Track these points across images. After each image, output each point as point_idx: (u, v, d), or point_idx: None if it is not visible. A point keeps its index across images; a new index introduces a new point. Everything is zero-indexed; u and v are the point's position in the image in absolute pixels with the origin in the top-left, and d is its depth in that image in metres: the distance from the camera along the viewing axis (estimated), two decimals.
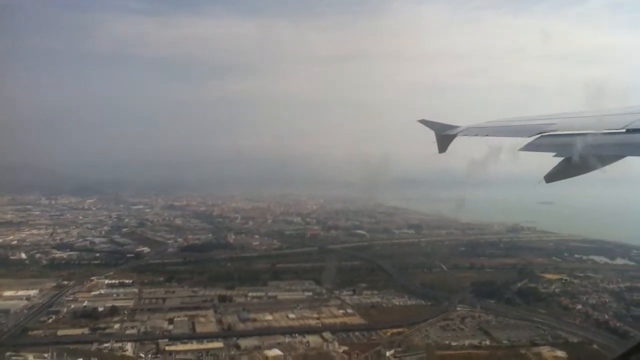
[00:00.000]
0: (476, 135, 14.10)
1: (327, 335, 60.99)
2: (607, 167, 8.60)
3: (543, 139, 10.57)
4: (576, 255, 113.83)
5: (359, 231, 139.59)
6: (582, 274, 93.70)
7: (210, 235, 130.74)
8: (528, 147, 10.41)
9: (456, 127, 16.22)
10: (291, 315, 67.66)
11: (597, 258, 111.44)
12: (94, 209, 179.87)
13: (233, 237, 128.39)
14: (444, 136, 16.10)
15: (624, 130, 8.65)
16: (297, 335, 60.98)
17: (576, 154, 8.89)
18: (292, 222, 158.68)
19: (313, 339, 59.70)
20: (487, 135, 13.23)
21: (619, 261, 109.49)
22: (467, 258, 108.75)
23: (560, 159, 9.38)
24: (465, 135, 14.96)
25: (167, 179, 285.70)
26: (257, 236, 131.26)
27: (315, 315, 68.06)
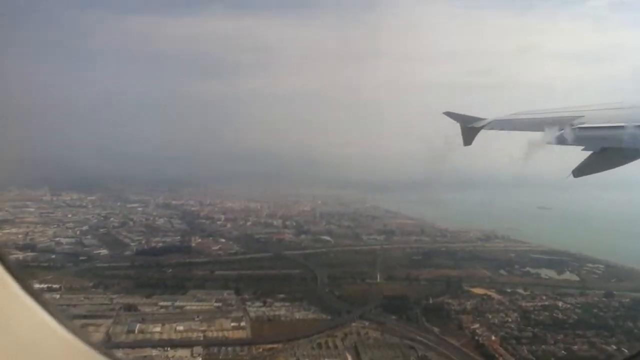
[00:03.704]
0: (502, 129, 14.24)
1: (197, 350, 64.18)
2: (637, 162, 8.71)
3: (572, 131, 10.23)
4: (526, 268, 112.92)
5: (324, 237, 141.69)
6: (510, 290, 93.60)
7: (178, 237, 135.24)
8: (556, 140, 10.33)
9: (482, 119, 16.11)
10: (179, 328, 71.11)
11: (544, 272, 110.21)
12: (90, 206, 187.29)
13: (198, 240, 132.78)
14: (470, 129, 16.13)
15: None
16: (168, 349, 64.46)
17: (605, 147, 9.00)
18: (270, 225, 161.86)
19: (181, 354, 63.04)
20: (514, 129, 13.28)
21: (565, 276, 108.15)
22: (413, 269, 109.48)
23: (588, 153, 9.42)
24: (492, 128, 15.07)
25: (180, 175, 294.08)
26: (223, 240, 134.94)
27: (203, 328, 71.36)
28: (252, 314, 78.72)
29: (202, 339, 68.40)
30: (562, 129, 10.23)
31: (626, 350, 67.89)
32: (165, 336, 68.87)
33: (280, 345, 66.60)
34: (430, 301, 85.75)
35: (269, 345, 66.43)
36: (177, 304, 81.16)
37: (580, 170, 9.32)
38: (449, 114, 17.06)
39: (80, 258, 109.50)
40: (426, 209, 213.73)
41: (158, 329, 70.85)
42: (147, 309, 79.27)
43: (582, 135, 9.63)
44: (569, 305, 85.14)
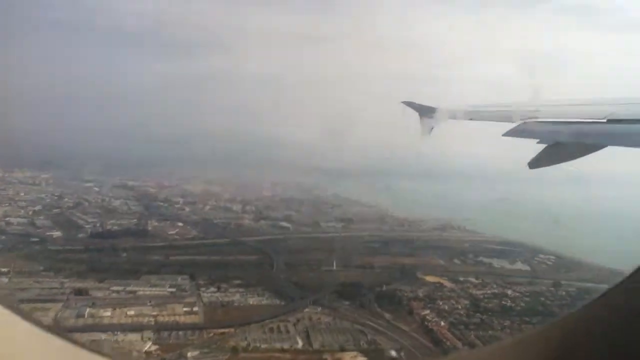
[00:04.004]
0: (460, 118, 14.43)
1: (147, 334, 63.78)
2: (588, 157, 8.98)
3: (527, 125, 10.73)
4: (479, 258, 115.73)
5: (283, 223, 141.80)
6: (462, 278, 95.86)
7: (135, 220, 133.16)
8: (512, 133, 10.70)
9: (440, 110, 16.52)
10: (130, 312, 70.53)
11: (497, 262, 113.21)
12: (44, 184, 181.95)
13: (155, 224, 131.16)
14: (428, 119, 16.46)
15: (605, 120, 9.02)
16: (117, 333, 63.87)
17: (559, 141, 9.30)
18: (230, 210, 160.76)
19: (131, 338, 62.57)
20: (471, 119, 13.62)
21: (517, 266, 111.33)
22: (369, 256, 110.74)
23: (543, 146, 9.61)
24: (451, 118, 15.30)
25: (139, 156, 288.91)
26: (180, 224, 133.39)
27: (155, 313, 70.92)
28: (205, 300, 78.63)
29: (153, 323, 67.88)
30: (518, 122, 10.69)
31: None
32: (115, 321, 68.21)
33: (232, 330, 66.81)
34: (384, 288, 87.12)
35: (221, 330, 66.59)
36: (129, 288, 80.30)
37: (536, 163, 9.63)
38: (408, 104, 17.35)
39: (32, 239, 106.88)
40: (387, 198, 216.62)
41: (108, 313, 70.08)
42: (99, 294, 78.24)
43: (537, 129, 10.22)
44: (517, 294, 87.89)
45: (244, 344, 62.65)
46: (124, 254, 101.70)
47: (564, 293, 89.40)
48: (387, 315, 75.82)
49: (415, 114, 16.58)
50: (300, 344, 63.66)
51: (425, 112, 16.23)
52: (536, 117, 10.83)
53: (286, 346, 62.80)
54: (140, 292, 79.48)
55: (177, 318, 70.30)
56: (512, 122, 10.92)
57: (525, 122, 10.75)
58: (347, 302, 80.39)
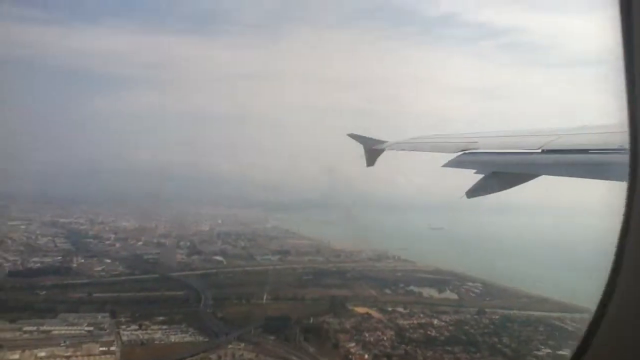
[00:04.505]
0: (403, 149, 14.30)
1: None
2: (524, 185, 8.84)
3: (465, 156, 10.68)
4: (410, 287, 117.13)
5: (217, 257, 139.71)
6: (390, 308, 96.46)
7: (60, 258, 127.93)
8: (451, 164, 10.56)
9: (384, 141, 16.26)
10: (40, 354, 67.04)
11: (426, 291, 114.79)
12: None
13: (81, 260, 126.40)
14: (373, 150, 16.25)
15: (539, 151, 8.97)
16: None
17: (495, 171, 9.14)
18: (162, 245, 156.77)
19: None
20: (413, 150, 13.50)
21: (445, 294, 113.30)
22: (301, 288, 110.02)
23: (481, 176, 9.50)
24: (392, 149, 15.05)
25: (73, 193, 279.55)
26: (108, 260, 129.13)
27: (68, 354, 67.70)
28: (124, 338, 75.88)
29: None
30: (457, 153, 10.90)
31: None
32: None
33: None
34: (311, 320, 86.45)
35: None
36: (43, 328, 76.42)
37: (473, 192, 9.63)
38: (353, 136, 17.80)
39: None
40: (327, 230, 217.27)
41: (17, 356, 66.26)
42: (9, 335, 74.04)
43: (475, 159, 10.39)
44: (443, 323, 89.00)
45: None
46: (43, 292, 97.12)
47: (487, 321, 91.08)
48: (312, 349, 75.19)
49: (360, 146, 17.08)
50: None
51: (370, 144, 16.61)
52: (475, 148, 11.00)
53: None
54: (55, 332, 75.78)
55: (91, 359, 67.22)
56: (452, 153, 11.13)
57: (464, 153, 10.90)
58: (272, 337, 79.16)
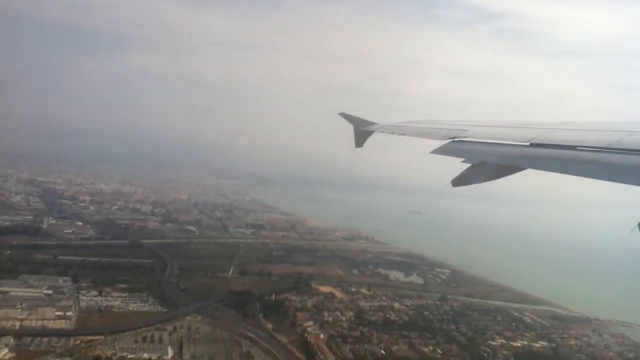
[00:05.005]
0: (392, 133, 14.13)
1: (6, 339, 60.48)
2: (509, 177, 9.00)
3: (454, 144, 10.67)
4: (378, 269, 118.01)
5: (190, 227, 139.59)
6: (354, 289, 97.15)
7: (31, 217, 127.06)
8: (439, 151, 10.51)
9: (374, 123, 16.25)
10: None
11: (393, 273, 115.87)
12: None
13: (52, 221, 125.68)
14: (362, 131, 16.25)
15: (528, 144, 9.00)
16: None
17: (483, 162, 9.15)
18: (138, 211, 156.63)
19: None
20: (402, 135, 13.29)
21: (411, 278, 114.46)
22: (270, 264, 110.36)
23: (468, 165, 9.50)
24: (382, 132, 15.04)
25: (56, 151, 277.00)
26: (80, 223, 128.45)
27: (22, 317, 67.44)
28: (83, 304, 75.73)
29: (16, 328, 64.54)
30: (446, 140, 10.84)
31: (440, 352, 72.66)
32: None
33: (101, 338, 64.42)
34: (273, 297, 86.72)
35: (90, 337, 64.08)
36: (0, 289, 75.95)
37: (459, 181, 9.59)
38: (344, 115, 17.71)
39: None
40: (305, 206, 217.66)
41: None
42: None
43: (463, 148, 10.31)
44: (403, 307, 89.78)
45: (109, 352, 60.48)
46: (7, 252, 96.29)
47: (448, 308, 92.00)
48: (269, 326, 75.61)
49: (350, 126, 17.06)
50: (170, 354, 62.13)
51: (360, 124, 16.47)
52: (464, 137, 10.91)
53: (154, 357, 61.08)
54: (13, 293, 75.24)
55: (45, 323, 67.18)
56: (442, 139, 10.98)
57: (453, 141, 10.82)
58: (232, 312, 79.38)
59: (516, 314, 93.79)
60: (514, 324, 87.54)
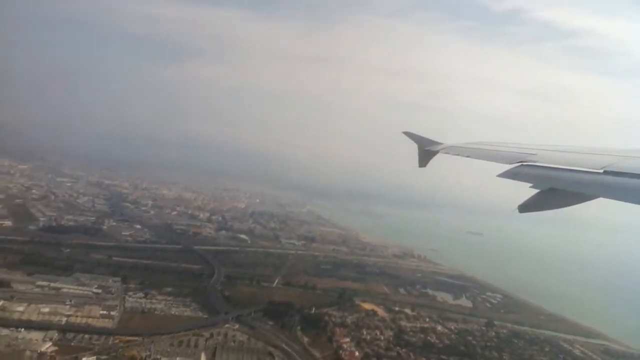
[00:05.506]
0: (457, 154, 14.10)
1: (51, 334, 63.37)
2: (580, 206, 8.77)
3: (522, 168, 10.43)
4: (426, 290, 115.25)
5: (242, 236, 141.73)
6: (397, 308, 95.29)
7: (94, 218, 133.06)
8: (507, 175, 10.30)
9: (439, 143, 16.24)
10: (44, 310, 70.19)
11: (442, 295, 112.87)
12: (17, 175, 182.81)
13: (112, 223, 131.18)
14: (427, 151, 16.13)
15: (601, 171, 8.69)
16: (21, 330, 63.41)
17: (553, 188, 8.99)
18: (196, 218, 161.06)
19: (33, 336, 62.13)
20: (468, 157, 13.19)
21: (460, 301, 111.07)
22: (315, 277, 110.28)
23: (536, 191, 9.31)
24: (447, 153, 15.01)
25: (126, 156, 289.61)
26: (138, 226, 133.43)
27: (69, 313, 70.52)
28: (128, 304, 78.34)
29: (62, 323, 67.50)
30: (514, 164, 10.57)
31: None
32: (25, 317, 67.74)
33: (139, 339, 66.30)
34: (313, 311, 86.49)
35: (128, 337, 66.09)
36: (54, 285, 79.90)
37: (526, 207, 9.27)
38: (408, 134, 17.48)
39: None
40: (360, 221, 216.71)
41: (22, 308, 69.64)
42: (21, 287, 77.77)
43: (532, 173, 10.01)
44: (446, 330, 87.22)
45: (144, 354, 62.15)
46: (67, 250, 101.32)
47: (493, 334, 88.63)
48: (305, 340, 75.41)
49: (413, 144, 16.87)
50: None
51: (424, 144, 16.27)
52: (533, 161, 10.52)
53: None
54: (65, 290, 79.09)
55: (89, 320, 69.85)
56: (509, 163, 10.64)
57: (521, 165, 10.49)
58: (270, 322, 79.83)
59: (566, 345, 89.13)
60: (561, 356, 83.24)
